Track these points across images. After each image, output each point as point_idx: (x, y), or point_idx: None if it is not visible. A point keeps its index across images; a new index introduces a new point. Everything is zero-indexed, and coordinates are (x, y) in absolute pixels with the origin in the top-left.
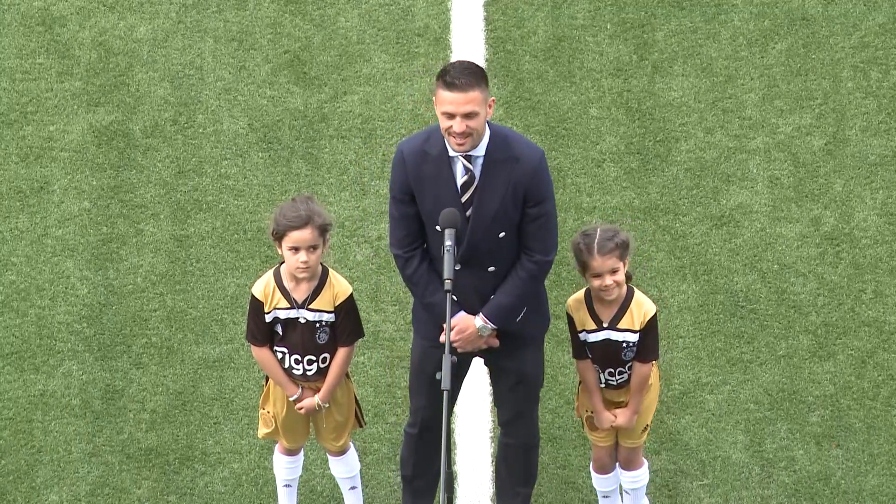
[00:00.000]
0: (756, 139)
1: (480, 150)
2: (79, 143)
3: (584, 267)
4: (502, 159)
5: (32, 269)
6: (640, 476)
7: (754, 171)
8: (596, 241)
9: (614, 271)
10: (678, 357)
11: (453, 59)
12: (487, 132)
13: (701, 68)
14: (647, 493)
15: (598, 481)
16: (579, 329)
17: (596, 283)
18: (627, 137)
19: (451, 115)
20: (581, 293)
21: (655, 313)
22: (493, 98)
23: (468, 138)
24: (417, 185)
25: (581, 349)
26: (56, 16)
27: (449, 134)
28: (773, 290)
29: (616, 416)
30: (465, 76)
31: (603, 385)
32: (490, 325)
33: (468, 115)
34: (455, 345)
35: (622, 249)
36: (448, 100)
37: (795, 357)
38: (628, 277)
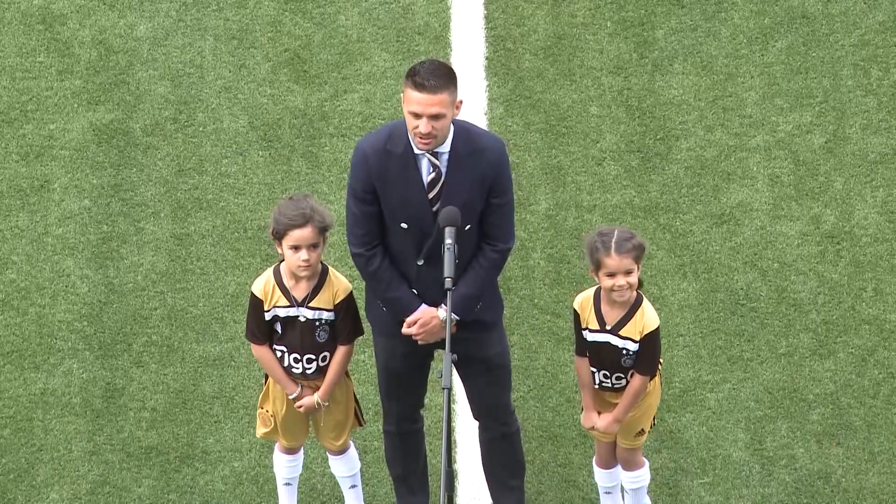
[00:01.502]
0: (756, 137)
1: (446, 147)
2: (79, 142)
3: (598, 266)
4: (467, 153)
5: (33, 268)
6: (640, 476)
7: (754, 169)
8: (614, 240)
9: (629, 272)
10: (678, 355)
11: (453, 57)
12: (451, 128)
13: (701, 66)
14: (648, 492)
15: (600, 476)
16: (583, 326)
17: (609, 282)
18: (627, 135)
19: (417, 115)
20: (591, 292)
21: (657, 329)
22: (461, 99)
23: (433, 139)
24: (381, 184)
25: (582, 346)
26: (56, 14)
27: (414, 133)
28: (773, 289)
29: (599, 418)
30: (434, 78)
31: (597, 385)
32: (454, 316)
33: (435, 117)
34: (417, 338)
35: (638, 251)
36: (416, 100)
37: (796, 355)
38: (639, 283)
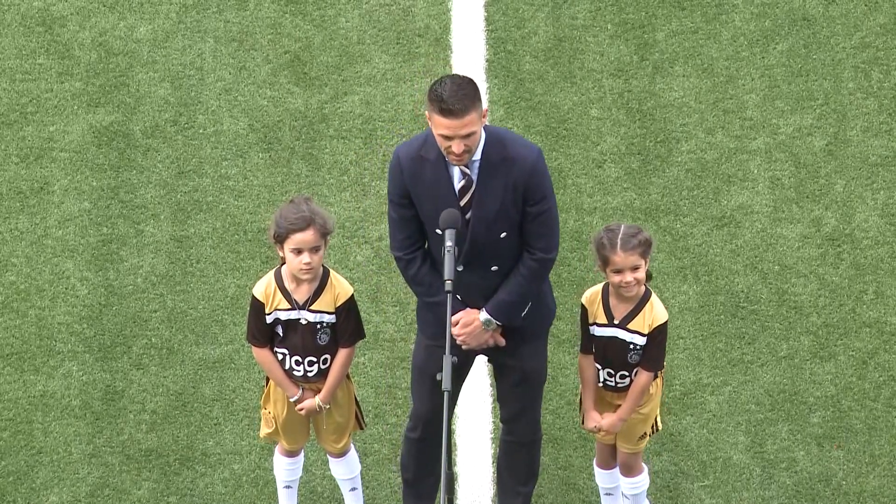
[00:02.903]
0: (757, 140)
1: (477, 154)
2: (79, 144)
3: (605, 262)
4: (499, 161)
5: (32, 270)
6: (640, 482)
7: (755, 171)
8: (620, 236)
9: (635, 268)
10: (679, 358)
11: (454, 59)
12: (483, 135)
13: (702, 69)
14: (648, 496)
15: (601, 477)
16: (590, 322)
17: (616, 278)
18: (628, 138)
19: (448, 138)
20: (599, 287)
21: (665, 322)
22: (486, 108)
23: (467, 154)
24: (415, 190)
25: (588, 343)
26: (56, 16)
27: (447, 152)
28: (773, 291)
29: (603, 418)
30: (460, 101)
31: (601, 384)
32: (494, 321)
33: (466, 136)
34: (461, 339)
35: (645, 247)
36: (445, 125)
37: (796, 358)
38: (648, 277)
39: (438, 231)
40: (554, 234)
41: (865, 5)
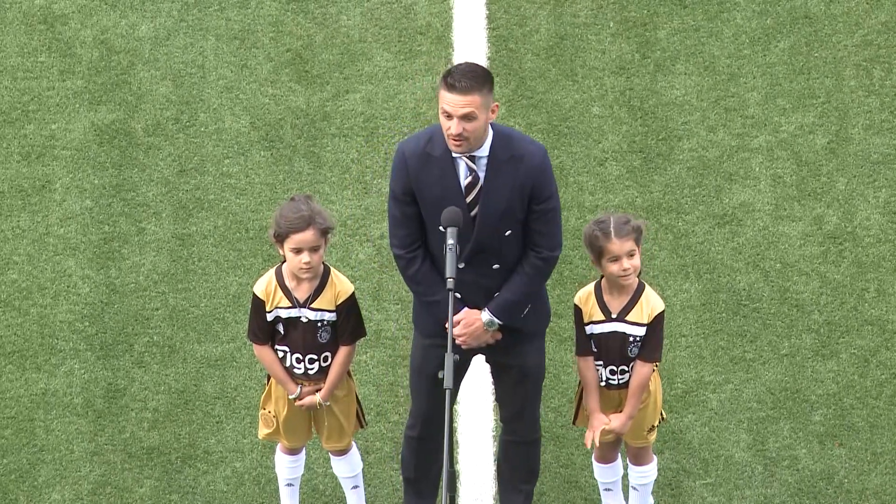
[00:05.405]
0: (758, 138)
1: (484, 151)
2: (80, 142)
3: (600, 253)
4: (506, 159)
5: (34, 268)
6: (649, 472)
7: (757, 169)
8: (612, 225)
9: (631, 254)
10: (681, 356)
11: (455, 57)
12: (490, 133)
13: (703, 66)
14: (651, 493)
15: (600, 472)
16: (586, 321)
17: (614, 267)
18: (630, 136)
19: (449, 116)
20: (591, 286)
21: (663, 311)
22: (496, 103)
23: (464, 141)
24: (419, 187)
25: (585, 345)
26: (58, 14)
27: (448, 135)
28: (775, 289)
29: (610, 420)
30: (466, 79)
31: (603, 384)
32: (497, 320)
33: (465, 117)
34: (461, 340)
35: (637, 233)
36: (447, 100)
37: (798, 356)
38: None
39: (441, 228)
40: (558, 232)
41: (867, 3)
